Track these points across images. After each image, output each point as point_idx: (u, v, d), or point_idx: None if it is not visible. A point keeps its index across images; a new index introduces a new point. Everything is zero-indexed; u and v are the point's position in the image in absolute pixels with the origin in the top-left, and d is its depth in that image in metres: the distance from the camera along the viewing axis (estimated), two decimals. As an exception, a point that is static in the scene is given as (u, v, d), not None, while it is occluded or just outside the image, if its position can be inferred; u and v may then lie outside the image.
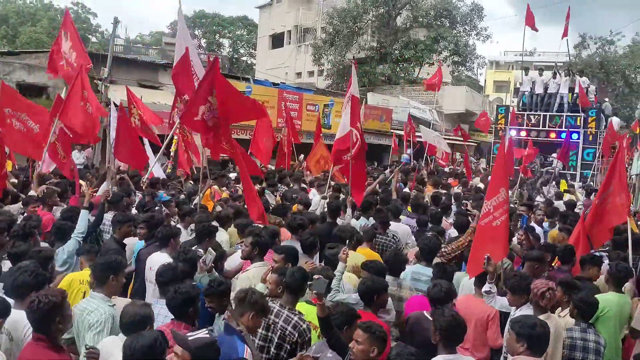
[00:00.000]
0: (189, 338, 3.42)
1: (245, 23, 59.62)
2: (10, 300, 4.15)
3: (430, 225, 8.96)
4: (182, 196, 10.10)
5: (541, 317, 4.65)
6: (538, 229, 9.46)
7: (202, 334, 3.50)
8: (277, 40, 48.41)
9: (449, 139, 26.79)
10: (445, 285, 5.07)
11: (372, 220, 8.58)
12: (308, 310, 4.81)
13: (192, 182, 11.77)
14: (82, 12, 57.60)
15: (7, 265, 5.25)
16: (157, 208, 8.48)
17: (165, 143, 10.14)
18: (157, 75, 22.06)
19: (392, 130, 27.30)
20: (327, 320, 4.33)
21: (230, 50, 59.19)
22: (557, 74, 23.15)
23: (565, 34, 23.43)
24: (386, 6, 36.47)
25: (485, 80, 65.79)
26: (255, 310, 4.25)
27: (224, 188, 11.43)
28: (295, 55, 45.40)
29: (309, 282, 4.57)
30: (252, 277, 5.56)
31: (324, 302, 4.29)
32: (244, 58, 59.17)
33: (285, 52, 46.18)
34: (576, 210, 11.39)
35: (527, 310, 5.10)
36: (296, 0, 46.09)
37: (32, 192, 8.90)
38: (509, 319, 5.13)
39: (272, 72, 40.03)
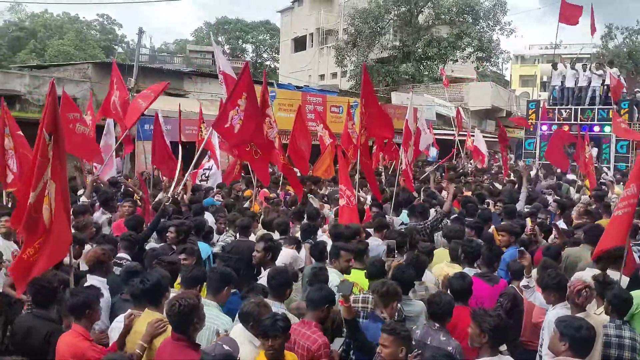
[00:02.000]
0: None
1: (268, 27, 59.98)
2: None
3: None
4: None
5: (580, 315, 4.61)
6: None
7: None
8: (299, 44, 48.54)
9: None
10: None
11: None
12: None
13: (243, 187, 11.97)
14: (107, 23, 58.57)
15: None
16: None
17: (199, 150, 10.33)
18: (183, 83, 22.27)
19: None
20: (354, 322, 4.31)
21: (254, 55, 59.57)
22: (588, 66, 22.75)
23: (593, 30, 23.04)
24: (407, 5, 36.26)
25: (510, 75, 64.99)
26: (398, 300, 4.74)
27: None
28: (318, 57, 45.45)
29: (335, 285, 4.72)
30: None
31: (350, 304, 4.27)
32: (268, 62, 59.48)
33: (308, 55, 46.27)
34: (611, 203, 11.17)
35: (562, 308, 5.04)
36: (317, 3, 46.15)
37: (83, 198, 9.13)
38: (546, 317, 5.10)
39: (296, 76, 40.14)
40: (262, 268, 6.15)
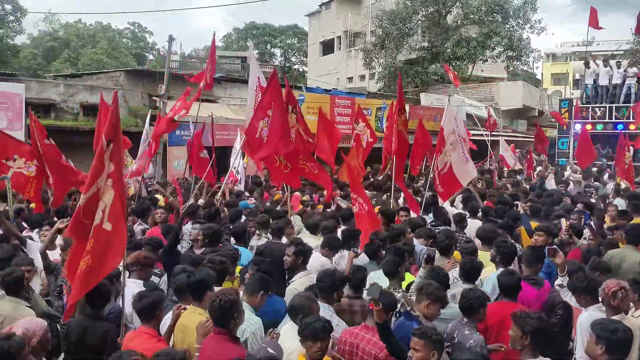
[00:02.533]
0: None
1: (296, 31, 60.22)
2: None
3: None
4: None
5: (615, 317, 4.52)
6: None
7: None
8: (327, 47, 48.62)
9: (508, 136, 26.20)
10: None
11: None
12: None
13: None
14: (138, 31, 59.52)
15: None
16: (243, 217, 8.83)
17: (236, 155, 10.61)
18: (212, 89, 22.48)
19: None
20: (386, 325, 4.30)
21: (282, 59, 59.86)
22: (622, 63, 22.28)
23: (638, 29, 22.65)
24: (436, 5, 36.01)
25: (542, 74, 63.99)
26: (431, 299, 4.75)
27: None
28: (346, 60, 45.45)
29: (364, 288, 4.75)
30: (299, 287, 5.57)
31: (380, 307, 4.27)
32: (296, 66, 59.71)
33: (336, 57, 46.31)
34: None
35: (595, 310, 4.94)
36: (345, 6, 46.16)
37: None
38: (578, 319, 5.03)
39: (324, 79, 40.20)
40: (292, 272, 6.13)
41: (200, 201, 9.95)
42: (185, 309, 4.68)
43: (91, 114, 19.37)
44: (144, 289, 5.40)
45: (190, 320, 4.51)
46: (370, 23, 40.76)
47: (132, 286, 5.21)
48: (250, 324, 4.62)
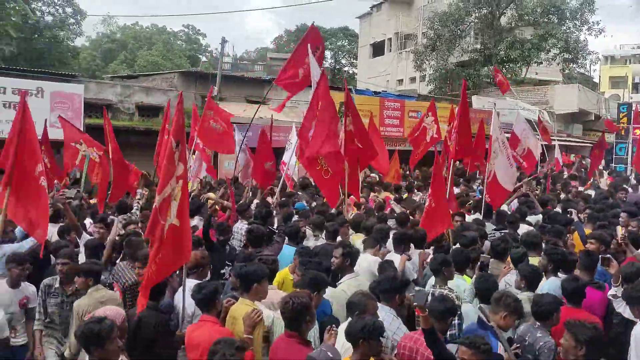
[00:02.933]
0: None
1: (346, 33, 60.25)
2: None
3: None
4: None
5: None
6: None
7: None
8: (377, 49, 48.44)
9: (563, 141, 25.53)
10: None
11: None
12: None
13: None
14: (192, 33, 60.76)
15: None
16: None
17: (290, 155, 10.80)
18: (264, 91, 22.75)
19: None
20: (432, 332, 4.26)
21: (332, 61, 60.00)
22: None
23: None
24: (489, 7, 35.39)
25: (599, 77, 62.03)
26: (509, 311, 4.64)
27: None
28: (396, 62, 45.19)
29: (411, 294, 4.66)
30: (347, 289, 5.58)
31: (426, 313, 4.24)
32: (346, 68, 59.76)
33: (386, 59, 46.09)
34: None
35: None
36: (396, 8, 45.91)
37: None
38: (633, 331, 4.90)
39: (374, 81, 40.07)
40: (340, 274, 6.17)
41: (256, 201, 10.18)
42: (234, 302, 4.84)
43: (146, 114, 19.91)
44: None
45: (240, 312, 4.66)
46: (422, 25, 40.40)
47: (192, 287, 5.38)
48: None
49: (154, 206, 4.89)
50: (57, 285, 5.95)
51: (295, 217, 8.91)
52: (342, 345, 4.32)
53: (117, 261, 6.65)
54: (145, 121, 19.54)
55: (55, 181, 10.43)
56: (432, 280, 5.94)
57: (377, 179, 15.09)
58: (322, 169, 8.71)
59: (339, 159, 8.68)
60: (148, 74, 27.19)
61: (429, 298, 4.81)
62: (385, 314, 4.81)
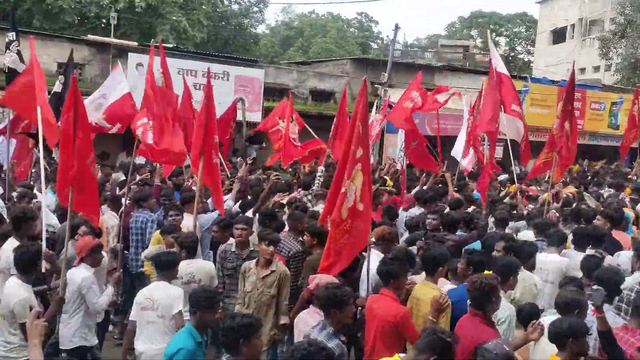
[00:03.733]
0: None
1: (524, 19, 57.28)
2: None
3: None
4: None
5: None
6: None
7: None
8: (558, 35, 45.42)
9: None
10: None
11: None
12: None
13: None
14: (364, 21, 61.70)
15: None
16: None
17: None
18: (434, 78, 22.57)
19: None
20: (609, 334, 4.08)
21: (507, 48, 57.49)
22: None
23: None
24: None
25: None
26: None
27: None
28: (579, 49, 42.05)
29: (587, 292, 4.54)
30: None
31: (603, 314, 4.06)
32: (521, 56, 56.93)
33: (567, 47, 43.07)
34: None
35: None
36: (582, -8, 42.68)
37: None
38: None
39: (552, 69, 37.72)
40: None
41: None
42: (414, 284, 5.06)
43: (318, 99, 20.79)
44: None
45: (423, 294, 4.88)
46: (610, 10, 37.10)
47: (374, 258, 5.65)
48: (503, 310, 4.68)
49: (342, 190, 5.09)
50: (233, 249, 6.47)
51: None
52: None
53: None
54: (318, 105, 20.39)
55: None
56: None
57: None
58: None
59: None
60: (321, 60, 28.23)
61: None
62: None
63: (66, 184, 5.39)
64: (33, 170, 9.77)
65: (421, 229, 7.64)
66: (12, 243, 5.74)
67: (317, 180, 8.83)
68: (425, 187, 10.51)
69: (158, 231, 7.13)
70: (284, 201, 8.31)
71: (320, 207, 8.32)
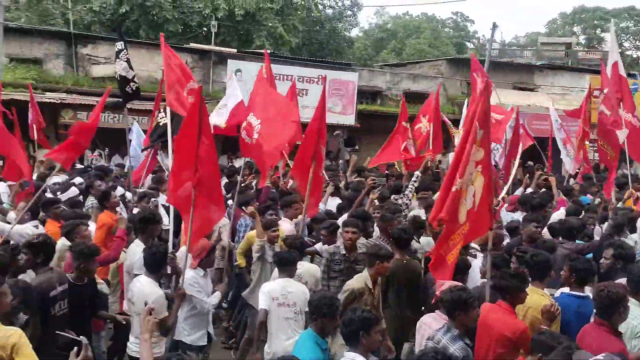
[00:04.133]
0: None
1: (632, 14, 53.93)
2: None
3: None
4: None
5: None
6: None
7: None
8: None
9: None
10: None
11: None
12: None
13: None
14: (460, 20, 60.50)
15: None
16: None
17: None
18: (533, 77, 21.82)
19: None
20: None
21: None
22: None
23: None
24: None
25: None
26: None
27: None
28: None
29: None
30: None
31: None
32: (629, 52, 53.63)
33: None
34: None
35: None
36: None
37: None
38: None
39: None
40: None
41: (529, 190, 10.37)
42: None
43: (412, 101, 20.63)
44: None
45: (533, 301, 4.71)
46: None
47: (475, 263, 5.61)
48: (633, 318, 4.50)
49: (454, 189, 4.95)
50: (342, 252, 6.37)
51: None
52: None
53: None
54: (412, 107, 20.23)
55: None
56: None
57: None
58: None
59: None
60: (415, 61, 27.97)
61: None
62: None
63: (179, 186, 5.60)
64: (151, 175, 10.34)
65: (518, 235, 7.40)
66: (137, 244, 5.93)
67: (412, 185, 8.69)
68: (529, 190, 10.22)
69: (252, 232, 7.28)
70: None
71: (417, 212, 8.28)
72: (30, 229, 6.35)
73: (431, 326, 4.66)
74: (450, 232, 5.04)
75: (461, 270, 5.43)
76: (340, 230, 6.65)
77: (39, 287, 4.76)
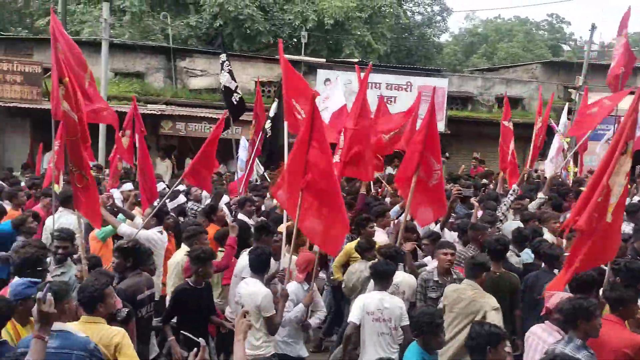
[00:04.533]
0: None
1: None
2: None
3: None
4: None
5: None
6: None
7: None
8: None
9: None
10: None
11: None
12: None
13: None
14: (555, 22, 58.19)
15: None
16: None
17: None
18: (636, 79, 20.61)
19: None
20: None
21: None
22: None
23: None
24: None
25: None
26: None
27: None
28: None
29: None
30: None
31: None
32: None
33: None
34: None
35: None
36: None
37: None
38: None
39: None
40: None
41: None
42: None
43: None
44: None
45: None
46: None
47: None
48: None
49: (599, 199, 4.66)
50: (435, 277, 6.04)
51: None
52: None
53: None
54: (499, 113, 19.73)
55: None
56: None
57: None
58: None
59: None
60: (508, 65, 27.21)
61: None
62: None
63: (289, 190, 5.81)
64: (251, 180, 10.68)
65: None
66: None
67: (509, 197, 8.39)
68: (635, 199, 9.71)
69: (349, 244, 7.17)
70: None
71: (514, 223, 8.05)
72: (155, 234, 6.67)
73: (542, 338, 4.48)
74: (583, 244, 4.77)
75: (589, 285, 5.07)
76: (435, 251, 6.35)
77: (127, 290, 5.01)
